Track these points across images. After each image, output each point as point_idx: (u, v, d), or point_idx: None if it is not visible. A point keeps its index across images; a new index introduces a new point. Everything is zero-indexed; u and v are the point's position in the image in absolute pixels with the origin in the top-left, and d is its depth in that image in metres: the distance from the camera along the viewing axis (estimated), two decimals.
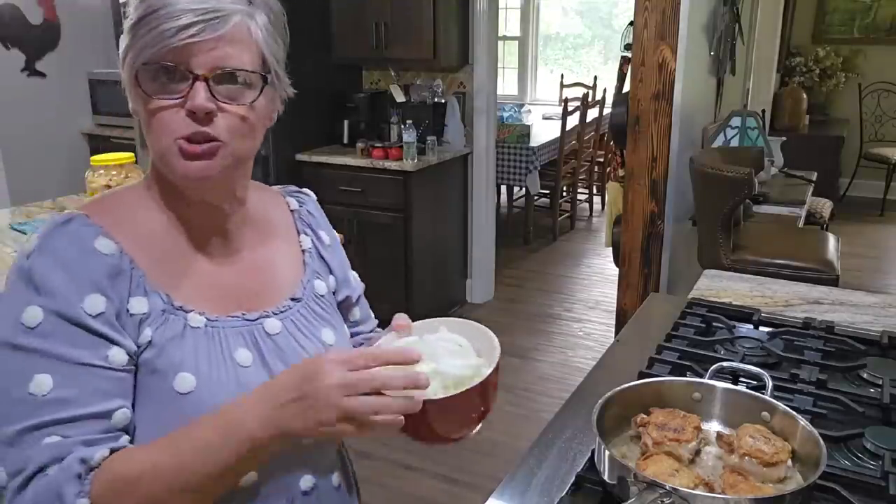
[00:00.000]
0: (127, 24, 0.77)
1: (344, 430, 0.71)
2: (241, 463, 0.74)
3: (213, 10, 0.75)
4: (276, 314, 0.90)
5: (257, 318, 0.88)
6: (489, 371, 0.78)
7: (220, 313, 0.85)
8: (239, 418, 0.73)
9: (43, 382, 0.73)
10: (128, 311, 0.78)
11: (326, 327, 0.96)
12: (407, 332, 0.86)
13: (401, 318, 0.89)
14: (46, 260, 0.76)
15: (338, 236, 1.09)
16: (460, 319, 0.90)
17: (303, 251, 1.00)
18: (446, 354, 0.79)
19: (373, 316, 1.15)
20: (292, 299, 0.93)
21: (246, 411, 0.74)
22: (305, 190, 1.09)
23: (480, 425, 0.81)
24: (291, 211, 1.03)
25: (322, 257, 1.02)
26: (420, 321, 0.89)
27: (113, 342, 0.76)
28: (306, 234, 1.02)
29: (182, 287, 0.84)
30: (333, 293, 1.02)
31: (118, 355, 0.77)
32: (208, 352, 0.82)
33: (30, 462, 0.71)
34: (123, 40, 0.78)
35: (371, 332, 1.12)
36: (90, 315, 0.75)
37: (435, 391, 0.74)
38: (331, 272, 1.03)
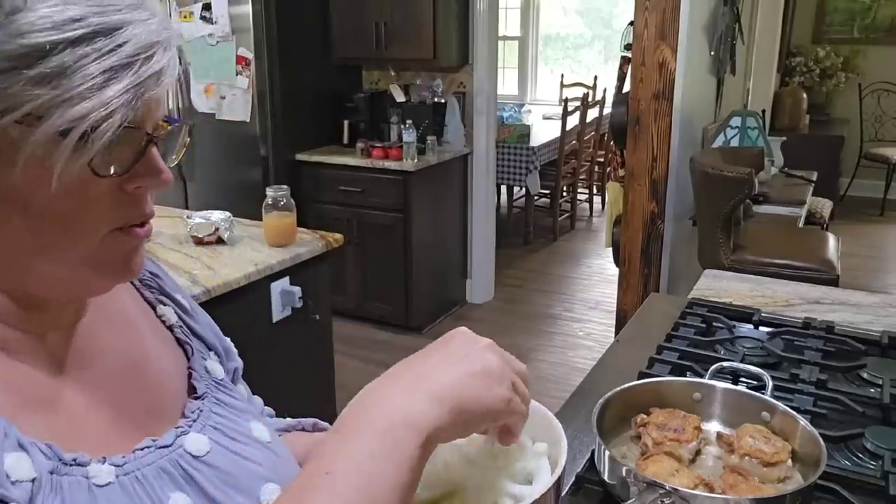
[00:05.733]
0: (17, 40, 0.45)
1: (518, 411, 0.55)
2: (416, 471, 0.50)
3: (172, 39, 0.52)
4: (190, 426, 0.63)
5: (173, 441, 0.60)
6: (559, 474, 0.57)
7: (124, 450, 0.57)
8: (393, 410, 0.51)
9: None
10: (8, 477, 0.47)
11: (251, 420, 0.69)
12: None
13: None
14: None
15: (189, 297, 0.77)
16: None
17: (170, 328, 0.71)
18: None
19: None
20: (195, 398, 0.67)
21: (395, 401, 0.51)
22: None
23: None
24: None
25: (192, 330, 0.73)
26: None
27: None
28: (163, 303, 0.72)
29: (59, 429, 0.54)
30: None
31: None
32: None
33: None
34: (27, 74, 0.45)
35: (286, 425, 0.84)
36: None
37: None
38: (208, 346, 0.74)
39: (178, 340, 0.71)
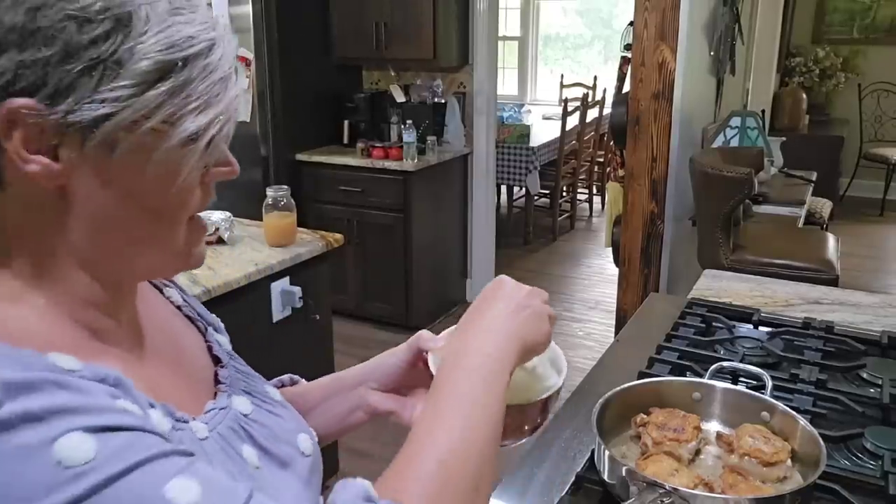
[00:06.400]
0: (149, 55, 0.51)
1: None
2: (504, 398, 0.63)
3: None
4: (230, 389, 0.68)
5: (227, 404, 0.66)
6: (560, 384, 0.76)
7: (199, 411, 0.62)
8: (481, 354, 0.63)
9: (189, 478, 0.47)
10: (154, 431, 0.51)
11: (264, 383, 0.77)
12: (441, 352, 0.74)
13: (430, 341, 0.77)
14: (25, 396, 0.45)
15: None
16: None
17: (178, 308, 0.76)
18: None
19: None
20: (220, 367, 0.72)
21: (478, 344, 0.64)
22: None
23: (528, 437, 0.77)
24: None
25: (194, 308, 0.78)
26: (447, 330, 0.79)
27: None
28: (167, 286, 0.77)
29: (160, 390, 0.59)
30: None
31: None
32: (232, 467, 0.59)
33: None
34: (129, 84, 0.50)
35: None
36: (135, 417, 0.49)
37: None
38: (208, 322, 0.79)
39: (189, 319, 0.76)
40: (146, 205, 0.55)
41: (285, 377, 0.91)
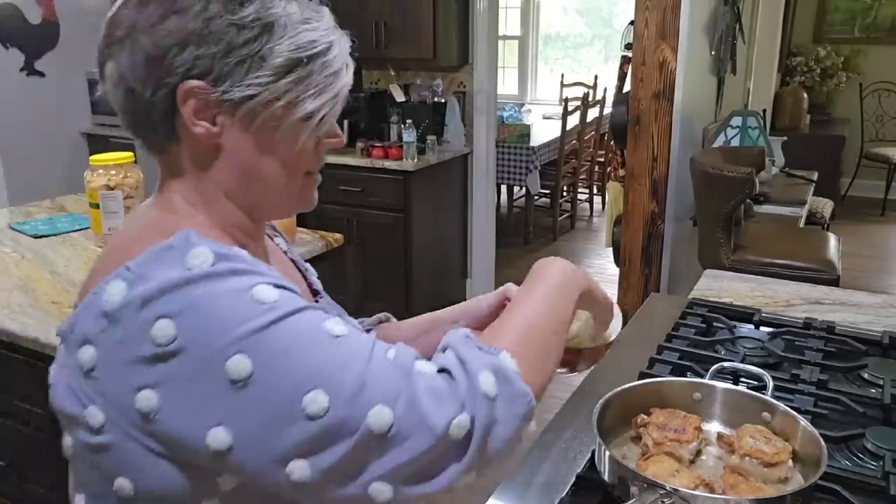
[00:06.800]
0: (282, 54, 0.71)
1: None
2: (571, 313, 0.81)
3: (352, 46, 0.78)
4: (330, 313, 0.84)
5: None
6: (610, 339, 0.95)
7: None
8: (563, 276, 0.82)
9: (334, 326, 0.67)
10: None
11: (343, 314, 0.98)
12: None
13: (515, 291, 0.93)
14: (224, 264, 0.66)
15: None
16: None
17: (284, 252, 0.98)
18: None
19: None
20: (319, 298, 0.98)
21: (557, 271, 0.82)
22: None
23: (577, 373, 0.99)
24: None
25: (295, 255, 1.02)
26: None
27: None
28: (277, 236, 1.00)
29: None
30: None
31: None
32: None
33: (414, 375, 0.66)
34: (267, 74, 0.70)
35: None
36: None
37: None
38: (305, 267, 1.02)
39: (292, 261, 0.98)
40: (274, 160, 0.75)
41: (377, 316, 1.14)
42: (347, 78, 0.76)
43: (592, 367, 0.97)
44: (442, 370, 0.68)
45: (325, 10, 0.76)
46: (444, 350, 0.70)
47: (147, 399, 0.63)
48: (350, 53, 0.77)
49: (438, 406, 0.64)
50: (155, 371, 0.63)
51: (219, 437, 0.62)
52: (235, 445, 0.62)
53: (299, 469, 0.62)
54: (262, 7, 0.71)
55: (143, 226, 0.76)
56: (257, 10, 0.70)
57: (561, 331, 0.78)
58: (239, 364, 0.61)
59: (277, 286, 0.67)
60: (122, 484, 0.67)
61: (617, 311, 0.95)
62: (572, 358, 0.96)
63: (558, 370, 0.84)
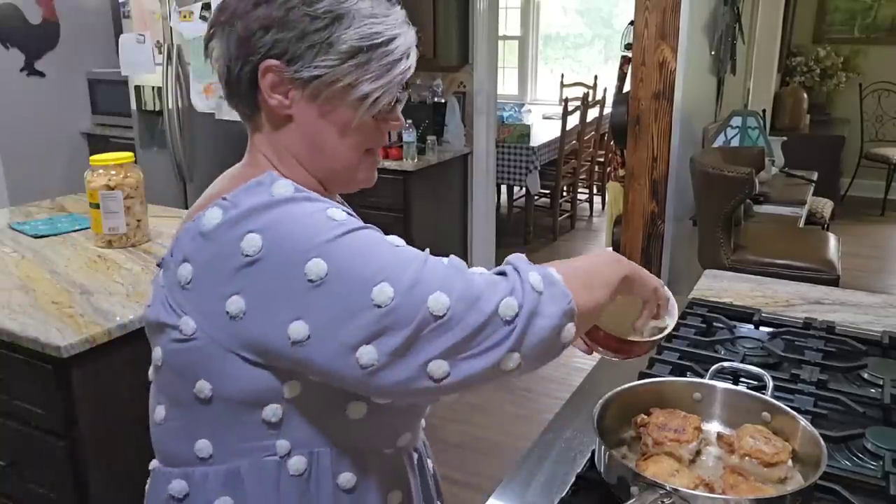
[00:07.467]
0: (346, 41, 0.80)
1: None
2: (614, 288, 0.84)
3: (417, 42, 0.86)
4: None
5: None
6: (667, 332, 0.94)
7: None
8: (607, 254, 0.88)
9: (395, 240, 0.79)
10: None
11: None
12: None
13: None
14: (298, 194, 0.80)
15: None
16: None
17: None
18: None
19: None
20: None
21: (609, 256, 0.87)
22: None
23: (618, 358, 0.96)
24: None
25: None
26: None
27: None
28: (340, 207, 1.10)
29: None
30: None
31: None
32: None
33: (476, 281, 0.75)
34: (333, 57, 0.80)
35: None
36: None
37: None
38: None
39: None
40: (335, 132, 0.85)
41: None
42: (404, 66, 0.84)
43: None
44: (498, 273, 0.79)
45: (396, 8, 0.85)
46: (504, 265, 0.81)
47: (235, 303, 0.75)
48: (417, 46, 0.86)
49: (491, 291, 0.74)
50: (243, 278, 0.74)
51: (298, 329, 0.73)
52: (312, 335, 0.72)
53: (367, 354, 0.71)
54: (336, 1, 0.81)
55: (234, 176, 0.88)
56: (331, 3, 0.81)
57: (603, 280, 0.83)
58: (317, 266, 0.72)
59: (347, 213, 0.80)
60: (203, 386, 0.80)
61: (673, 304, 0.95)
62: (624, 347, 0.95)
63: (609, 355, 0.92)
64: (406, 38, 0.84)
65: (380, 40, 0.81)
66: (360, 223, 0.79)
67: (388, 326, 0.71)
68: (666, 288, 0.93)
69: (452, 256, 0.78)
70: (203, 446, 0.83)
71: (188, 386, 0.81)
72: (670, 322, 0.93)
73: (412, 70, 0.86)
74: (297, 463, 0.82)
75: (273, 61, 0.81)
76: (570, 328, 0.76)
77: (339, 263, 0.73)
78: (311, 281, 0.72)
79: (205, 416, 0.82)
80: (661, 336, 0.92)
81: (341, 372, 0.73)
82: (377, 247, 0.76)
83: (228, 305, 0.75)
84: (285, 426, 0.81)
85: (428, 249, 0.80)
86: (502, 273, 0.78)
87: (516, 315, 0.73)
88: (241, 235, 0.75)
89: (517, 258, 0.81)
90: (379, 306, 0.71)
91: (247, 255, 0.74)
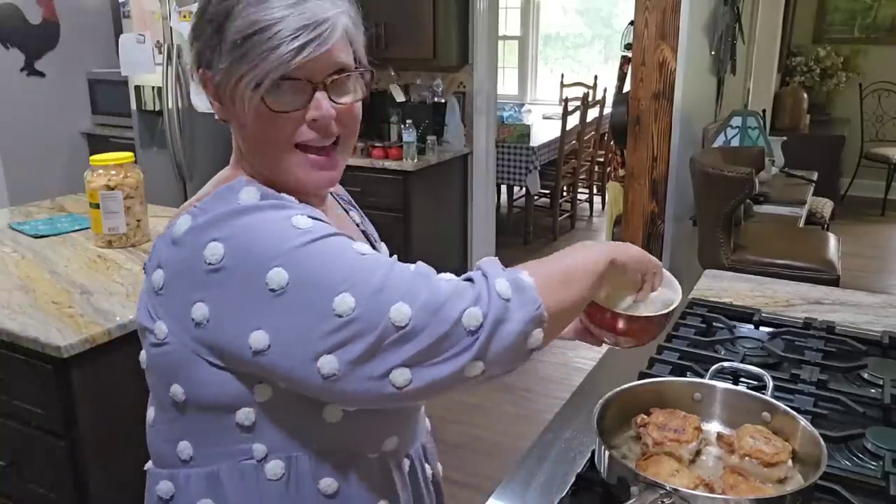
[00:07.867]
0: (229, 38, 0.78)
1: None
2: (601, 275, 0.84)
3: (321, 23, 0.77)
4: None
5: None
6: (675, 305, 0.93)
7: None
8: (593, 250, 0.86)
9: (361, 247, 0.77)
10: None
11: None
12: None
13: None
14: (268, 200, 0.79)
15: None
16: None
17: (357, 225, 1.04)
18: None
19: None
20: None
21: (588, 249, 0.85)
22: None
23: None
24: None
25: (366, 227, 1.07)
26: None
27: None
28: (352, 210, 1.07)
29: None
30: None
31: None
32: None
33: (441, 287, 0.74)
34: (224, 56, 0.78)
35: None
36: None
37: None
38: (376, 238, 1.08)
39: (363, 233, 1.04)
40: (251, 130, 0.81)
41: None
42: (285, 50, 0.76)
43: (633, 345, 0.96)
44: (466, 279, 0.77)
45: None
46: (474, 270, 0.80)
47: (200, 310, 0.75)
48: (309, 25, 0.76)
49: (455, 300, 0.73)
50: (207, 286, 0.75)
51: (259, 338, 0.73)
52: (273, 345, 0.72)
53: (328, 363, 0.71)
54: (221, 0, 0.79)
55: (216, 179, 0.89)
56: (218, 2, 0.79)
57: (584, 272, 0.82)
58: (278, 275, 0.72)
59: (313, 218, 0.78)
60: (176, 390, 0.81)
61: (670, 279, 0.95)
62: (632, 327, 0.93)
63: (619, 341, 0.92)
64: (291, 20, 0.76)
65: (255, 29, 0.76)
66: (328, 230, 0.77)
67: (350, 336, 0.71)
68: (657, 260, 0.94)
69: (420, 263, 0.78)
70: (184, 448, 0.83)
71: (165, 389, 0.82)
72: (675, 297, 0.93)
73: (308, 52, 0.77)
74: (274, 467, 0.82)
75: (203, 70, 0.83)
76: (538, 334, 0.75)
77: (300, 273, 0.72)
78: (272, 290, 0.72)
79: (182, 419, 0.83)
80: (669, 310, 0.92)
81: (304, 381, 0.73)
82: (342, 255, 0.74)
83: (194, 312, 0.75)
84: (259, 430, 0.81)
85: (395, 256, 0.80)
86: (470, 279, 0.76)
87: (480, 325, 0.72)
88: (206, 243, 0.75)
89: (488, 262, 0.79)
90: (340, 316, 0.71)
91: (209, 264, 0.74)
